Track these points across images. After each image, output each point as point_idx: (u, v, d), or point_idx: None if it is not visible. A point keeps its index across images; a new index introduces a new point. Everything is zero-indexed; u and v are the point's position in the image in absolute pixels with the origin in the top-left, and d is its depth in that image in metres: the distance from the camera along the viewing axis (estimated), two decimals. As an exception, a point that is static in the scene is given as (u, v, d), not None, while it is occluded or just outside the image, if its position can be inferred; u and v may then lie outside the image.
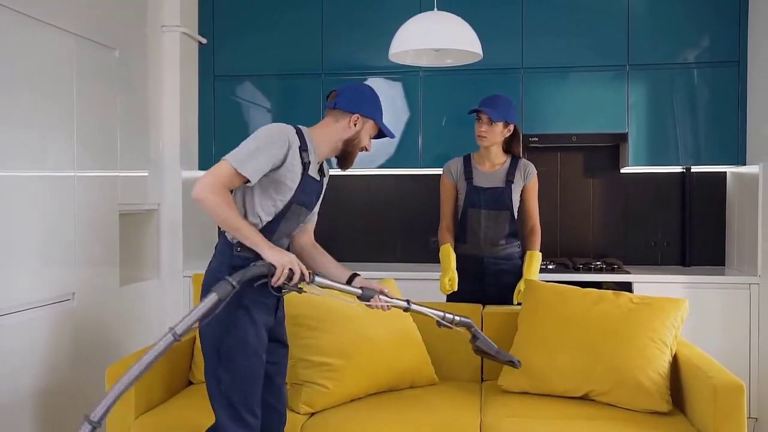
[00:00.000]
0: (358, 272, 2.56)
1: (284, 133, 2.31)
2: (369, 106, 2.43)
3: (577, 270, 4.28)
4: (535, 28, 4.43)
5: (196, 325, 2.07)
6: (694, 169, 4.57)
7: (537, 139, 4.44)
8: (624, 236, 4.75)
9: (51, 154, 3.28)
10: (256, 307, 2.33)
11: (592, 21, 4.40)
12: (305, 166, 2.35)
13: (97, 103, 3.65)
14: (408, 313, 3.18)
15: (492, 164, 3.49)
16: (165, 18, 4.36)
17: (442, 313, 2.52)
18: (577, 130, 4.41)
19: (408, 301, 2.49)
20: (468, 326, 2.58)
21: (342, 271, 2.55)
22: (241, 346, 2.32)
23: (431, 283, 3.72)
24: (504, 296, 3.44)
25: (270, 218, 2.34)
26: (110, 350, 3.74)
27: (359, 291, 2.40)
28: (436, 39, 2.93)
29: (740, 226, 4.38)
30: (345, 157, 2.47)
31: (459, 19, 3.05)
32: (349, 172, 4.73)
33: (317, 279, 2.27)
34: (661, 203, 4.71)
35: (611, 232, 4.77)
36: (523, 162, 3.51)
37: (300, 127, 2.41)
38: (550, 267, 4.34)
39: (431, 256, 4.33)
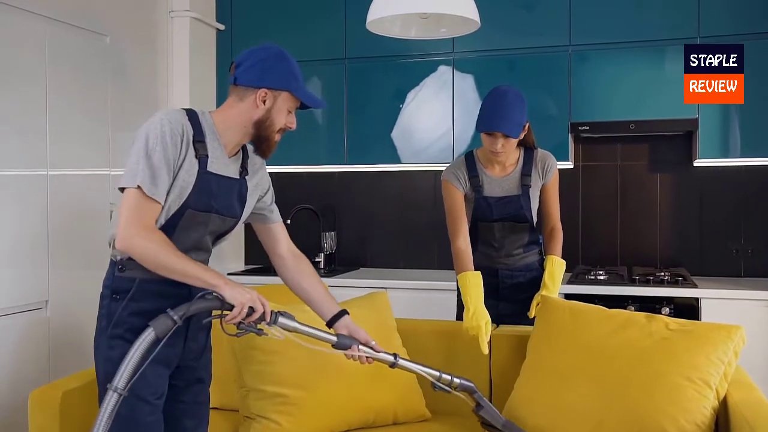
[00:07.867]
0: (346, 310, 2.10)
1: (174, 124, 1.84)
2: (277, 75, 1.90)
3: (632, 282, 3.61)
4: (585, -1, 3.80)
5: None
6: (786, 160, 3.79)
7: (588, 127, 3.82)
8: (698, 242, 4.00)
9: (17, 152, 3.01)
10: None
11: (653, -13, 3.73)
12: (201, 160, 1.88)
13: (80, 95, 3.36)
14: (395, 331, 2.74)
15: (504, 167, 2.87)
16: (174, 3, 4.06)
17: (437, 373, 2.10)
18: (636, 116, 3.75)
19: (395, 356, 2.07)
20: (470, 391, 2.15)
21: (327, 304, 2.10)
22: None
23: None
24: (521, 314, 2.85)
25: (162, 223, 1.86)
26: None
27: (334, 339, 2.00)
28: (419, 2, 2.40)
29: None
30: (260, 143, 1.96)
31: (450, -22, 2.49)
32: (381, 167, 4.37)
33: (281, 320, 1.88)
34: (743, 203, 3.94)
35: (682, 237, 4.04)
36: (541, 154, 2.87)
37: (197, 110, 1.93)
38: (601, 277, 3.69)
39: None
